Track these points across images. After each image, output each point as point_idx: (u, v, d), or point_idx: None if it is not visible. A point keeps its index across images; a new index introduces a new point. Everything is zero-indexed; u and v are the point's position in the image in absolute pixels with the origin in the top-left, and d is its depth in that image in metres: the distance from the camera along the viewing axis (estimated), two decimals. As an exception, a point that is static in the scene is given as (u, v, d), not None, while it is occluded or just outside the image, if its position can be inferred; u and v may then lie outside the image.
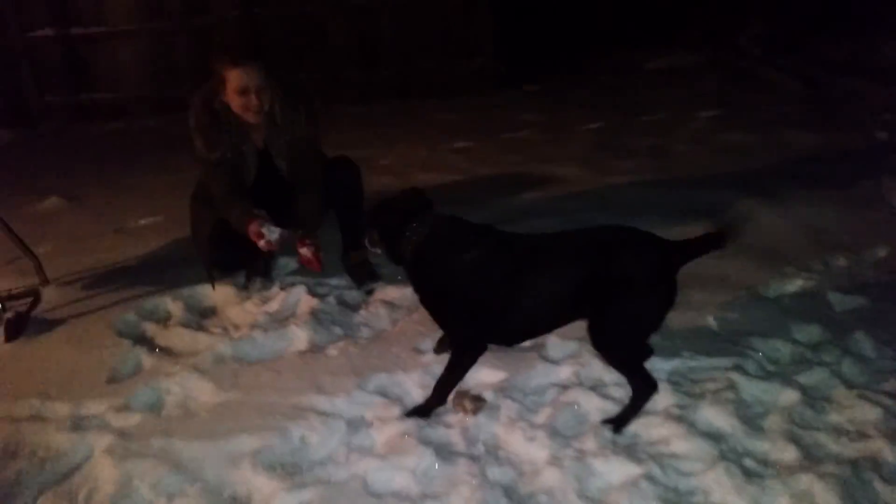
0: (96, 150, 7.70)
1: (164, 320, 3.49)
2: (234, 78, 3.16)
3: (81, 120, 9.00)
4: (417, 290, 2.67)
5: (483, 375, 2.76)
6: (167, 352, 3.17)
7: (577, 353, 2.87)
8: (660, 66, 9.00)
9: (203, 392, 2.83)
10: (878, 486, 2.11)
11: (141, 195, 5.71)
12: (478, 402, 2.62)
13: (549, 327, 2.67)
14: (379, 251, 2.78)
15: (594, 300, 2.38)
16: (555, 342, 2.94)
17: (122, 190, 5.95)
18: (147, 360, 3.08)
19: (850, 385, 2.58)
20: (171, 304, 3.58)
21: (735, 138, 5.84)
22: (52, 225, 5.07)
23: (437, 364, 2.86)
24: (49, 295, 3.80)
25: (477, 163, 5.80)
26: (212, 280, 3.64)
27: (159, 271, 3.98)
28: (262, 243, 3.20)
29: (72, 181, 6.28)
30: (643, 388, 2.44)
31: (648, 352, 2.65)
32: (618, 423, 2.44)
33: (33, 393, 2.90)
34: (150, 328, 3.38)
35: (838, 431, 2.37)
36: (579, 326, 2.90)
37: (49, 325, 3.47)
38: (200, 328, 3.38)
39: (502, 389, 2.69)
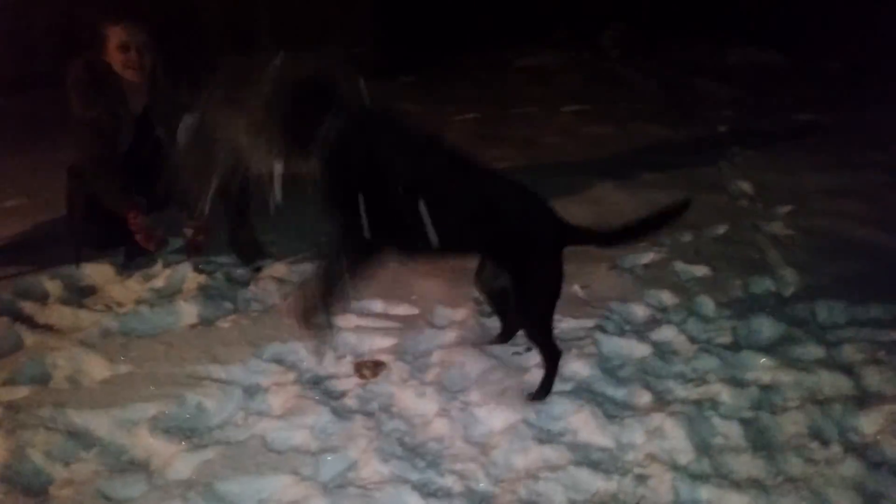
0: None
1: (42, 299, 3.39)
2: (116, 34, 3.18)
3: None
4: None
5: (376, 342, 2.93)
6: (49, 328, 3.11)
7: (461, 319, 3.10)
8: (529, 64, 9.43)
9: (92, 365, 2.82)
10: (717, 421, 2.46)
11: (1, 177, 5.39)
12: (378, 367, 2.79)
13: (439, 245, 2.38)
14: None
15: (506, 255, 2.48)
16: (441, 311, 3.16)
17: (-20, 172, 5.59)
18: (28, 336, 3.01)
19: (693, 340, 2.96)
20: (49, 283, 3.49)
21: (597, 130, 6.30)
22: None
23: (330, 330, 2.99)
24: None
25: (357, 148, 5.91)
26: (77, 258, 3.57)
27: (32, 252, 3.84)
28: (144, 239, 3.23)
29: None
30: (554, 355, 2.60)
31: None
32: (540, 394, 2.60)
33: None
34: (28, 306, 3.29)
35: (684, 378, 2.73)
36: (461, 295, 3.17)
37: (-87, 307, 3.29)
38: (82, 306, 3.31)
39: (394, 353, 2.87)
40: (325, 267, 2.41)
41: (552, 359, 2.60)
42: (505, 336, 2.94)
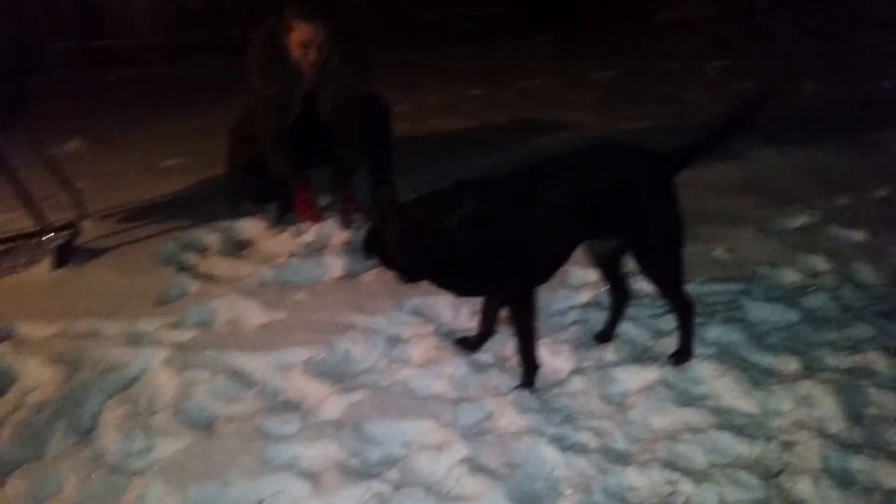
0: (114, 97, 7.82)
1: (203, 251, 3.69)
2: (301, 31, 3.26)
3: (94, 67, 9.08)
4: (436, 281, 2.48)
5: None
6: (211, 278, 3.38)
7: (596, 280, 3.09)
8: (670, 17, 9.03)
9: (250, 312, 3.05)
10: (871, 391, 2.34)
11: (163, 138, 5.87)
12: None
13: (567, 254, 2.49)
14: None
15: (615, 220, 2.38)
16: (575, 271, 3.15)
17: (144, 133, 6.11)
18: (192, 284, 3.29)
19: (847, 308, 2.80)
20: (209, 237, 3.78)
21: (744, 87, 5.95)
22: (78, 165, 5.18)
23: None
24: (88, 228, 4.00)
25: (492, 109, 5.94)
26: (236, 212, 3.85)
27: (192, 207, 4.17)
28: (304, 212, 3.45)
29: (93, 125, 6.42)
30: (687, 306, 2.50)
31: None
32: (681, 354, 2.54)
33: (87, 313, 3.09)
34: (191, 258, 3.59)
35: (836, 346, 2.59)
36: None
37: (93, 254, 3.67)
38: (239, 258, 3.58)
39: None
40: (524, 326, 2.47)
41: (686, 312, 2.51)
42: (607, 333, 2.76)
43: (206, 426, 2.44)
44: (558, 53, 7.85)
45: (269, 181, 3.64)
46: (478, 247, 2.31)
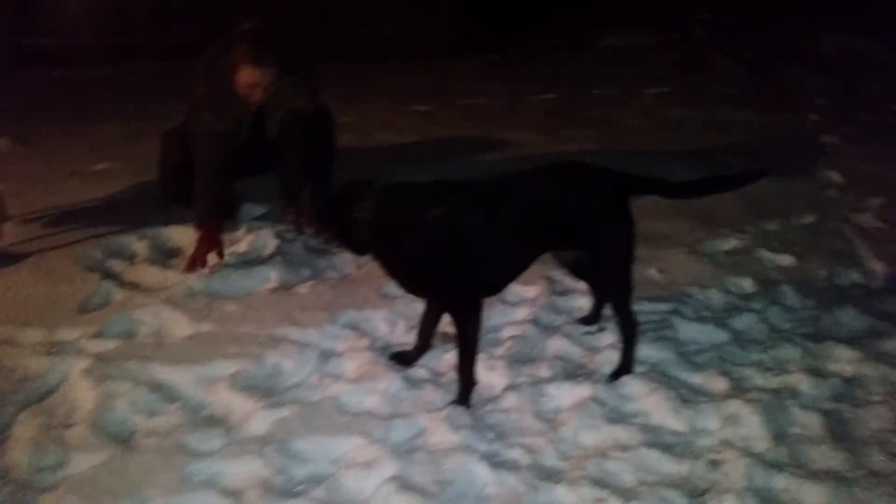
0: (44, 97, 7.50)
1: (130, 258, 3.55)
2: (248, 74, 3.20)
3: (23, 66, 8.72)
4: (391, 268, 2.50)
5: (447, 317, 2.95)
6: (137, 287, 3.26)
7: (533, 297, 3.10)
8: (612, 44, 9.23)
9: (177, 323, 2.94)
10: (795, 410, 2.39)
11: (94, 142, 5.64)
12: (448, 338, 2.80)
13: (525, 267, 2.58)
14: (333, 245, 2.70)
15: (577, 234, 2.48)
16: (513, 287, 3.14)
17: (74, 136, 5.86)
18: (117, 293, 3.16)
19: (773, 329, 2.88)
20: (137, 244, 3.64)
21: (680, 114, 6.13)
22: (1, 167, 4.97)
23: (403, 302, 3.05)
24: (8, 231, 3.80)
25: (435, 125, 5.95)
26: (168, 217, 3.73)
27: (121, 213, 4.02)
28: (198, 254, 3.30)
29: (20, 125, 6.14)
30: (632, 325, 2.57)
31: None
32: (620, 371, 2.57)
33: (4, 320, 2.95)
34: (117, 265, 3.45)
35: (762, 367, 2.65)
36: (534, 273, 3.14)
37: (12, 258, 3.49)
38: (168, 266, 3.46)
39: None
40: (468, 339, 2.47)
41: (630, 330, 2.57)
42: (594, 316, 2.91)
43: (124, 441, 2.33)
44: (502, 74, 7.93)
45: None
46: (447, 245, 2.36)
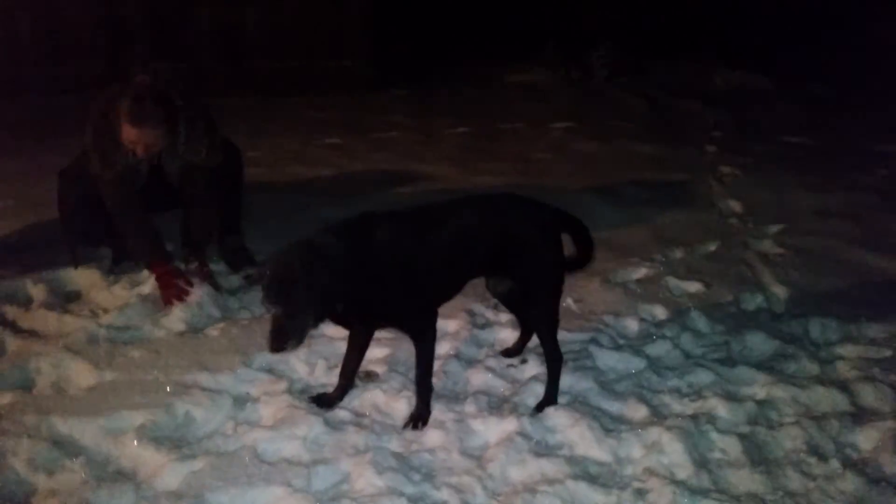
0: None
1: (25, 303, 3.33)
2: (128, 132, 3.12)
3: None
4: (360, 310, 2.45)
5: (369, 353, 2.87)
6: (33, 334, 3.05)
7: (455, 331, 3.08)
8: (517, 81, 9.48)
9: (77, 372, 2.76)
10: (714, 435, 2.45)
11: (-14, 181, 5.29)
12: (370, 377, 2.75)
13: (458, 288, 2.68)
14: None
15: (503, 265, 2.58)
16: (434, 321, 3.12)
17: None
18: (12, 341, 2.95)
19: (687, 355, 2.96)
20: (32, 288, 3.42)
21: (586, 148, 6.33)
22: None
23: (320, 343, 2.96)
24: None
25: (348, 159, 5.90)
26: (74, 259, 3.53)
27: (15, 255, 3.77)
28: (175, 296, 3.19)
29: None
30: (557, 358, 2.62)
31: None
32: (545, 402, 2.59)
33: None
34: (11, 311, 3.23)
35: (679, 393, 2.72)
36: (455, 307, 3.13)
37: None
38: (67, 311, 3.26)
39: (386, 364, 2.84)
40: (426, 355, 2.53)
41: (555, 363, 2.62)
42: (517, 349, 2.92)
43: (23, 501, 2.16)
44: (414, 108, 7.97)
45: (102, 220, 3.39)
46: (391, 272, 2.38)
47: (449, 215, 2.55)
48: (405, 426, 2.50)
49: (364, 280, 2.34)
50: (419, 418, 2.51)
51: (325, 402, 2.62)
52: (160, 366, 2.79)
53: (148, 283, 3.40)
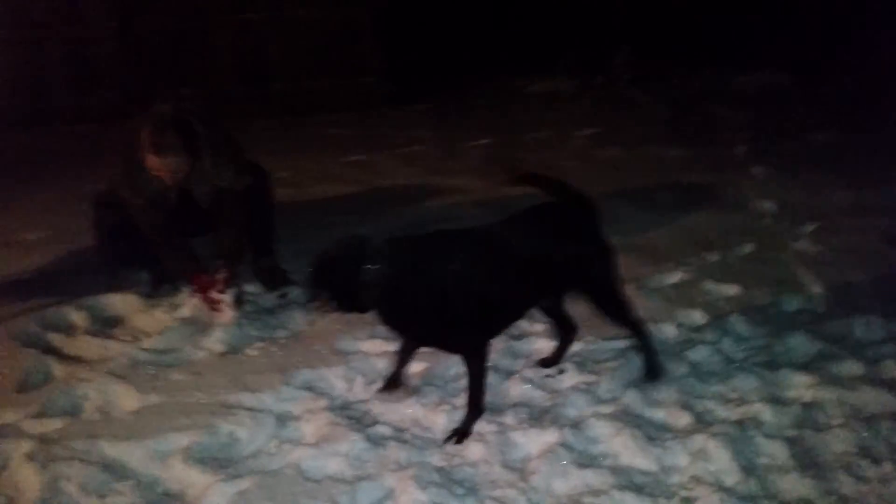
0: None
1: (68, 330, 3.38)
2: (151, 161, 3.17)
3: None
4: (405, 323, 2.53)
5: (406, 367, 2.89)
6: (78, 360, 3.10)
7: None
8: (539, 90, 9.47)
9: (123, 396, 2.80)
10: (760, 440, 2.41)
11: (22, 211, 5.39)
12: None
13: (527, 309, 2.73)
14: (331, 310, 2.51)
15: (568, 274, 2.64)
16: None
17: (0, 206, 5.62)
18: (58, 368, 3.00)
19: (729, 360, 2.92)
20: (75, 315, 3.47)
21: (612, 154, 6.29)
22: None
23: (357, 359, 2.98)
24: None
25: (373, 175, 5.93)
26: (111, 281, 3.60)
27: (57, 283, 3.83)
28: (216, 304, 3.28)
29: (-63, 196, 5.85)
30: (645, 333, 2.78)
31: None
32: (651, 373, 2.76)
33: (-66, 405, 2.75)
34: (56, 338, 3.27)
35: (723, 398, 2.68)
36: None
37: (-59, 338, 3.28)
38: (109, 336, 3.31)
39: (424, 377, 2.84)
40: (479, 377, 2.54)
41: (643, 334, 2.76)
42: (556, 358, 2.92)
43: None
44: (435, 122, 8.01)
45: (140, 245, 3.45)
46: (464, 298, 2.40)
47: (505, 240, 2.55)
48: (446, 440, 2.50)
49: (433, 306, 2.40)
50: (463, 434, 2.50)
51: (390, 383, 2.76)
52: (203, 387, 2.83)
53: (187, 306, 3.45)
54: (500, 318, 2.60)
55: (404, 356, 2.76)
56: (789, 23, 9.68)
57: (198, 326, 3.29)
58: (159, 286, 3.65)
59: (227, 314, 3.28)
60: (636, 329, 2.77)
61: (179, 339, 3.19)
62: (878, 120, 7.02)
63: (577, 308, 3.28)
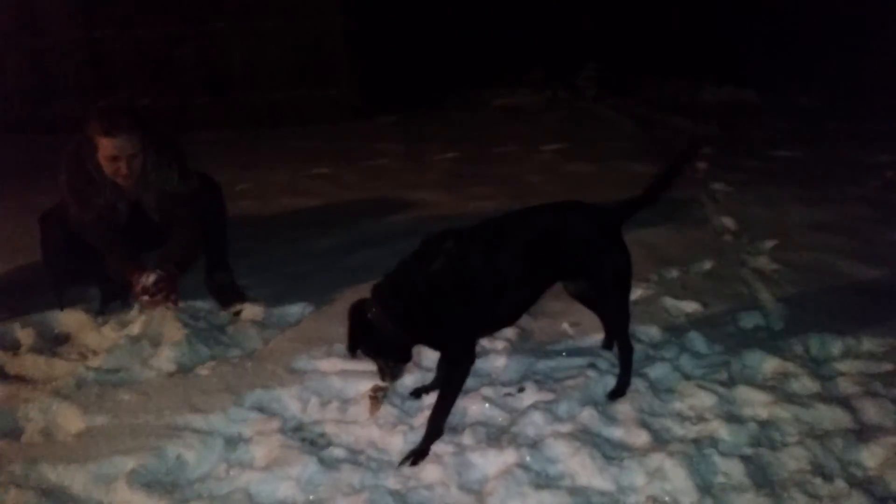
0: None
1: (13, 348, 3.28)
2: (105, 146, 3.12)
3: None
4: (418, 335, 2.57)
5: (363, 385, 2.83)
6: (21, 379, 3.00)
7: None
8: (506, 104, 9.52)
9: (67, 417, 2.70)
10: (717, 459, 2.39)
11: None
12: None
13: (535, 299, 2.75)
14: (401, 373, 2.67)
15: (575, 270, 2.70)
16: (428, 351, 3.07)
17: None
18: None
19: (687, 377, 2.90)
20: (20, 332, 3.38)
21: (577, 168, 6.32)
22: None
23: (313, 378, 2.91)
24: None
25: (338, 188, 5.88)
26: (60, 300, 3.51)
27: (2, 298, 3.72)
28: (137, 289, 3.23)
29: None
30: (630, 349, 2.79)
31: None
32: (619, 391, 2.76)
33: None
34: (-1, 356, 3.17)
35: (681, 416, 2.67)
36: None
37: None
38: (55, 355, 3.21)
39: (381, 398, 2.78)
40: (454, 385, 2.57)
41: (628, 353, 2.78)
42: (608, 342, 3.06)
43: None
44: (402, 135, 7.99)
45: (89, 261, 3.37)
46: (452, 294, 2.47)
47: (504, 232, 2.61)
48: (402, 462, 2.45)
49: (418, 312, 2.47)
50: (420, 455, 2.45)
51: (419, 393, 2.82)
52: (150, 408, 2.74)
53: (137, 323, 3.35)
54: (500, 310, 2.63)
55: None
56: (754, 39, 9.88)
57: (148, 345, 3.18)
58: (109, 303, 3.56)
59: (176, 331, 3.18)
60: (625, 343, 2.78)
61: (128, 357, 3.09)
62: (837, 137, 7.16)
63: (536, 324, 3.32)
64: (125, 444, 2.52)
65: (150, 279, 3.23)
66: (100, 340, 3.30)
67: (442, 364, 2.80)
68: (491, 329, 2.88)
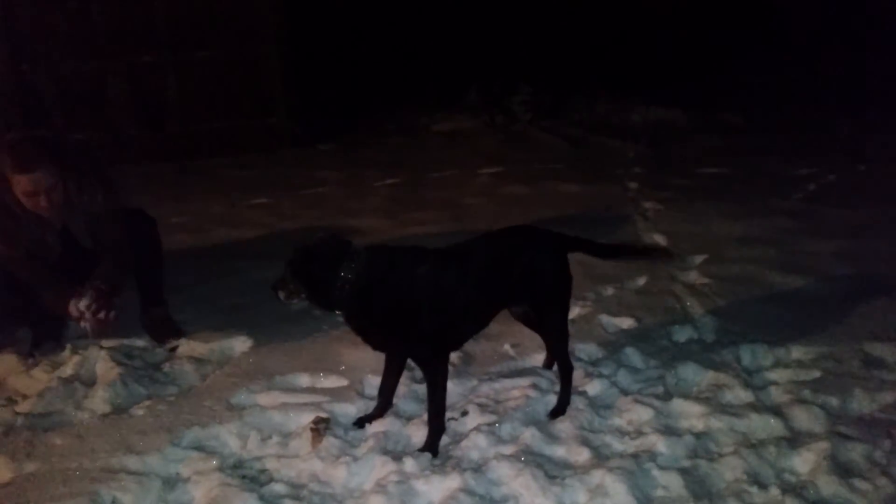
0: None
1: (-66, 396, 3.13)
2: (21, 183, 3.02)
3: None
4: (369, 324, 2.62)
5: (304, 418, 2.81)
6: (-57, 429, 2.85)
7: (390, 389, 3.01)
8: (443, 129, 9.62)
9: (-6, 466, 2.59)
10: (656, 473, 2.44)
11: None
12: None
13: (485, 323, 2.86)
14: (295, 301, 2.65)
15: (525, 292, 2.78)
16: (371, 380, 3.07)
17: None
18: (-82, 439, 2.75)
19: (625, 392, 2.97)
20: (-57, 379, 3.23)
21: (514, 190, 6.42)
22: None
23: (253, 413, 2.87)
24: None
25: (277, 218, 5.83)
26: None
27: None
28: (74, 314, 3.16)
29: None
30: (570, 368, 2.87)
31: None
32: (559, 410, 2.81)
33: None
34: (-83, 407, 3.02)
35: (620, 431, 2.72)
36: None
37: None
38: (-19, 401, 3.07)
39: (324, 428, 2.75)
40: (438, 388, 2.64)
41: (568, 373, 2.85)
42: (549, 362, 3.13)
43: None
44: (340, 162, 7.98)
45: (19, 301, 3.26)
46: (431, 301, 2.54)
47: (471, 253, 2.72)
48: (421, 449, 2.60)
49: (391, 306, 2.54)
50: (429, 448, 2.61)
51: (362, 422, 2.78)
52: (84, 451, 2.65)
53: (69, 365, 3.25)
54: (463, 328, 2.74)
55: (390, 381, 2.83)
56: (682, 61, 10.25)
57: (81, 386, 3.10)
58: (40, 345, 3.43)
59: (110, 370, 3.10)
60: (565, 362, 2.86)
61: (60, 400, 2.99)
62: (760, 153, 7.47)
63: (478, 347, 3.34)
64: (58, 490, 2.43)
65: (82, 301, 3.13)
66: (30, 384, 3.18)
67: (384, 390, 2.85)
68: (454, 343, 2.87)
